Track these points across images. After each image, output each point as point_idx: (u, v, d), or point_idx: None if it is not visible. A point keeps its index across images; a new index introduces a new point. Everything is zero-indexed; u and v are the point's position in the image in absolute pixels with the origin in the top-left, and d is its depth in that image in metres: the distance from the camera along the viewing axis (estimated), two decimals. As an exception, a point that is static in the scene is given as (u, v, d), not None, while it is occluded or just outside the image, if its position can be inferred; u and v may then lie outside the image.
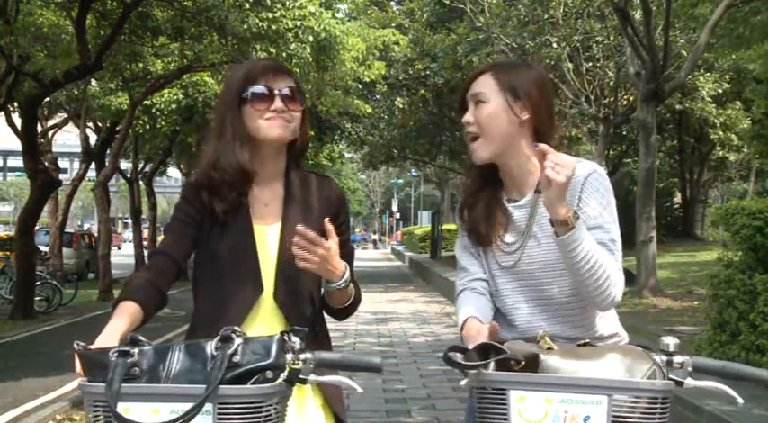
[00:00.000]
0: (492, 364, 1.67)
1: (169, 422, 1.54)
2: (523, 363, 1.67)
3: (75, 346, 1.70)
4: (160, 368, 1.63)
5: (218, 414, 1.56)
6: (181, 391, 1.59)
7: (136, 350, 1.64)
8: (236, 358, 1.60)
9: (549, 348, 1.72)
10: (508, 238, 2.10)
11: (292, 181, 2.16)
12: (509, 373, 1.66)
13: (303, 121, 2.14)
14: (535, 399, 1.62)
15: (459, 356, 1.68)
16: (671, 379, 1.65)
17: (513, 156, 2.07)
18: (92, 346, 1.71)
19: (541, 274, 2.05)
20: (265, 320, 2.06)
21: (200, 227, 2.10)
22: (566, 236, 1.86)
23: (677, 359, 1.67)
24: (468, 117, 2.07)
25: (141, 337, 1.69)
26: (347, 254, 2.18)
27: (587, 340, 1.84)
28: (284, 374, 1.63)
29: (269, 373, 1.60)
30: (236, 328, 1.66)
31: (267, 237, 2.10)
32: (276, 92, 2.06)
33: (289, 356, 1.64)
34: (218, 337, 1.63)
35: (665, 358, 1.68)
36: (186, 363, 1.63)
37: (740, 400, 1.63)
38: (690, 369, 1.66)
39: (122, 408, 1.57)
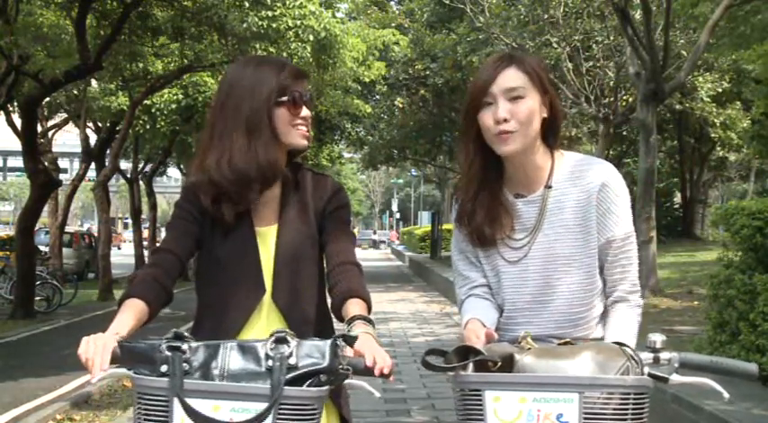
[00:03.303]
0: (470, 366, 1.69)
1: (247, 421, 1.56)
2: (499, 363, 1.68)
3: (116, 336, 1.69)
4: (212, 365, 1.64)
5: (278, 415, 1.58)
6: (242, 390, 1.60)
7: (186, 346, 1.65)
8: (292, 360, 1.62)
9: (528, 349, 1.73)
10: (515, 234, 2.07)
11: (289, 180, 2.15)
12: (483, 374, 1.68)
13: None
14: (509, 398, 1.64)
15: (438, 359, 1.70)
16: (656, 375, 1.66)
17: (532, 152, 2.03)
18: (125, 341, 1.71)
19: (549, 268, 2.02)
20: (264, 320, 2.06)
21: (202, 225, 2.09)
22: None
23: (664, 355, 1.68)
24: (504, 113, 1.95)
25: (186, 334, 1.70)
26: (346, 227, 2.18)
27: (568, 339, 1.84)
28: (332, 378, 1.65)
29: (323, 377, 1.63)
30: (287, 330, 1.67)
31: (266, 238, 2.10)
32: (306, 98, 2.08)
33: (339, 361, 1.66)
34: (271, 339, 1.65)
35: (650, 356, 1.68)
36: (240, 362, 1.65)
37: (726, 396, 1.64)
38: (676, 365, 1.67)
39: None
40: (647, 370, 1.68)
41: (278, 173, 2.06)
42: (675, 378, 1.66)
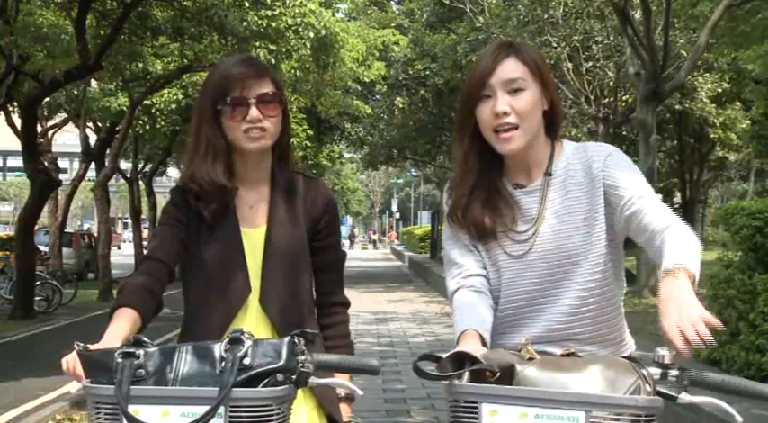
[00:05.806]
0: (466, 375, 1.56)
1: None
2: (498, 374, 1.54)
3: (76, 346, 1.68)
4: (167, 370, 1.61)
5: (230, 417, 1.54)
6: (192, 394, 1.56)
7: (141, 351, 1.62)
8: (247, 361, 1.58)
9: (530, 358, 1.60)
10: (517, 226, 1.94)
11: (278, 183, 2.13)
12: (481, 385, 1.54)
13: (285, 119, 2.09)
14: (508, 413, 1.50)
15: (430, 365, 1.58)
16: (664, 393, 1.54)
17: (533, 145, 1.94)
18: (92, 347, 1.70)
19: (556, 263, 1.91)
20: (252, 321, 2.05)
21: (188, 229, 2.08)
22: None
23: (672, 372, 1.55)
24: (504, 107, 1.86)
25: (145, 339, 1.67)
26: (336, 260, 2.20)
27: (572, 350, 1.72)
28: (293, 377, 1.61)
29: (279, 376, 1.58)
30: (245, 329, 1.64)
31: (254, 240, 2.09)
32: (251, 100, 1.99)
33: (299, 359, 1.62)
34: (227, 339, 1.61)
35: (658, 371, 1.55)
36: (194, 364, 1.61)
37: (738, 419, 1.51)
38: (686, 383, 1.54)
39: (131, 410, 1.55)
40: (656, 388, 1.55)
41: (218, 190, 2.03)
42: (684, 397, 1.53)
